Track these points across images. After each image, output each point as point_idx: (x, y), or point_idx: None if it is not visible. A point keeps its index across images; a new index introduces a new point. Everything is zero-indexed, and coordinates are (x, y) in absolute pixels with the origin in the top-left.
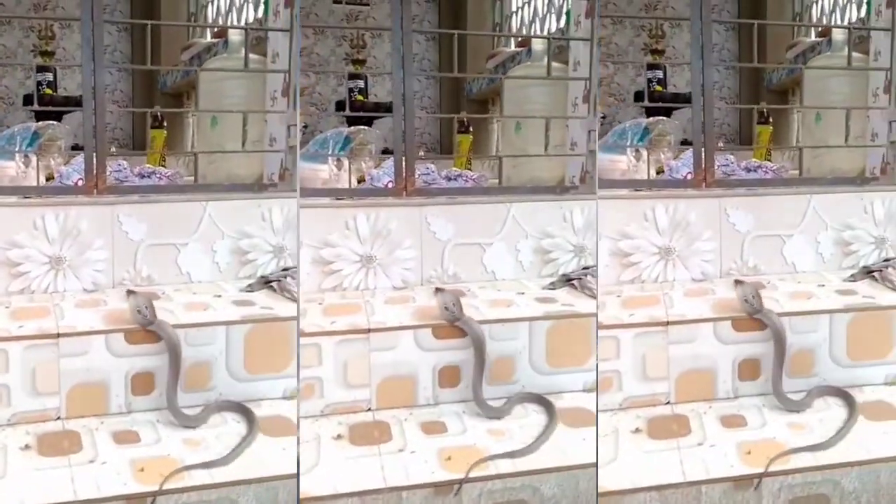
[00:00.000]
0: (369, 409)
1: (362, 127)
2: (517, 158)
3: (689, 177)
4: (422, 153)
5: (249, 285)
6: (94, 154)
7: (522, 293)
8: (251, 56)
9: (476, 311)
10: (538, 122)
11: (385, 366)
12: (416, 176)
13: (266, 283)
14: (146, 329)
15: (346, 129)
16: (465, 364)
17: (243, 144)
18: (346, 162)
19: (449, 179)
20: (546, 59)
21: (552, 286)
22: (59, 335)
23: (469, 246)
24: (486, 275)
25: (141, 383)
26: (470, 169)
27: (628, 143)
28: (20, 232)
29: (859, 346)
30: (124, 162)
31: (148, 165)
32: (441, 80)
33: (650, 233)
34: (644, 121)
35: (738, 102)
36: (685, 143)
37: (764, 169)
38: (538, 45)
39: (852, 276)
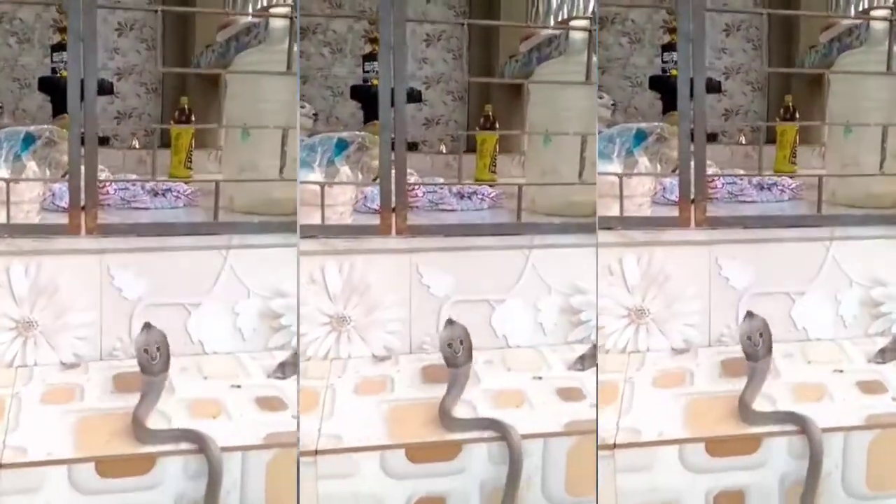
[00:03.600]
0: None
1: (359, 133)
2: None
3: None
4: (443, 148)
5: (281, 364)
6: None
7: (540, 378)
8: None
9: (471, 410)
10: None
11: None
12: (422, 194)
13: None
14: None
15: (336, 135)
16: (452, 496)
17: (281, 171)
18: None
19: (461, 197)
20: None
21: (581, 363)
22: (1, 466)
23: (473, 304)
24: (497, 340)
25: None
26: (494, 172)
27: (615, 154)
28: None
29: (883, 469)
30: (132, 175)
31: (163, 180)
32: (471, 59)
33: (616, 288)
34: (635, 126)
35: (766, 88)
36: None
37: (780, 187)
38: (577, 34)
39: (881, 351)
